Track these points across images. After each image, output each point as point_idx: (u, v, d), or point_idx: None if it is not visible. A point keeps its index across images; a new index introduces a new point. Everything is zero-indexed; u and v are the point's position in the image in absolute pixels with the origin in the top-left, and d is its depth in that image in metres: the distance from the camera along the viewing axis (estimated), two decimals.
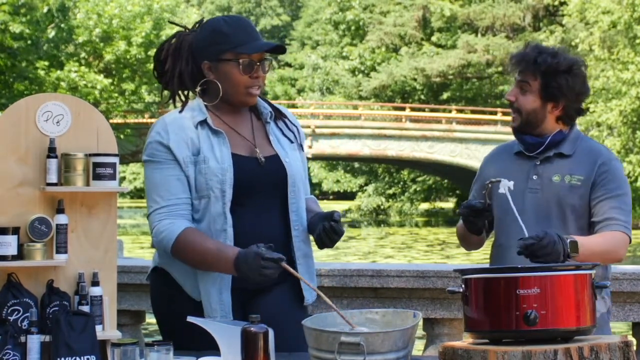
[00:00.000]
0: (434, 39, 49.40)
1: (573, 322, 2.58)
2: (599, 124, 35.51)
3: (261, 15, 76.61)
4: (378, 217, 49.39)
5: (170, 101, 3.27)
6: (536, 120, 3.40)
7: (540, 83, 3.37)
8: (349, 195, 57.98)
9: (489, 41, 45.80)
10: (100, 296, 3.00)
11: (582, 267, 2.66)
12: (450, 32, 48.75)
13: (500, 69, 44.67)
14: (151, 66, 3.36)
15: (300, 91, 62.56)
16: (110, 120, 33.60)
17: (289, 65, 67.04)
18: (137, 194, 63.40)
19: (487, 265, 3.37)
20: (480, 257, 19.04)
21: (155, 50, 3.33)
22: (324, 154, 42.94)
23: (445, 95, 48.35)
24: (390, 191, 51.44)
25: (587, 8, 36.84)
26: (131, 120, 40.21)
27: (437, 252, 26.05)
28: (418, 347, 5.15)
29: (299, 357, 2.95)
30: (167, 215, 3.10)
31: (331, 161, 52.57)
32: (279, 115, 3.30)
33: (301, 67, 62.92)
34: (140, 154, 3.81)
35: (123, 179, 60.50)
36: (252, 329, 2.64)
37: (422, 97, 49.50)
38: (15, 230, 2.92)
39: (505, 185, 3.13)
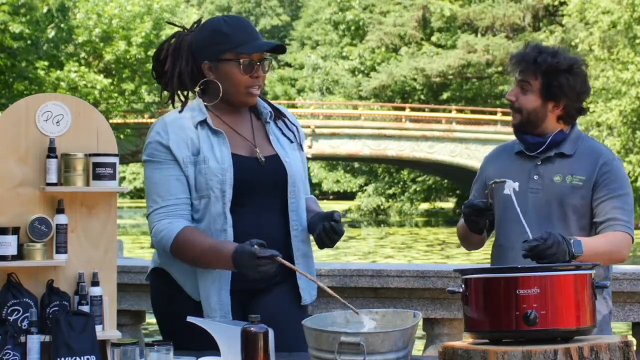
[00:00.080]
0: (433, 39, 49.40)
1: (573, 322, 2.58)
2: (599, 124, 35.51)
3: (261, 15, 76.62)
4: (378, 217, 49.39)
5: (170, 101, 3.27)
6: (537, 120, 3.39)
7: (540, 82, 3.37)
8: (349, 195, 57.99)
9: (489, 41, 45.80)
10: (100, 296, 3.00)
11: (582, 267, 2.66)
12: (450, 32, 48.75)
13: (500, 69, 44.67)
14: (151, 66, 3.36)
15: (300, 91, 62.56)
16: (110, 120, 33.62)
17: (289, 65, 67.04)
18: (137, 194, 63.38)
19: (488, 265, 3.36)
20: (481, 257, 19.05)
21: (154, 50, 3.33)
22: (324, 154, 42.95)
23: (445, 95, 48.35)
24: (390, 191, 51.44)
25: (587, 8, 36.83)
26: (131, 120, 40.22)
27: (437, 252, 26.05)
28: (418, 347, 5.15)
29: (299, 357, 2.95)
30: (166, 215, 3.10)
31: (331, 161, 52.58)
32: (278, 115, 3.30)
33: (301, 67, 62.92)
34: (140, 154, 3.81)
35: (123, 179, 60.50)
36: (252, 329, 2.64)
37: (422, 97, 49.50)
38: (15, 230, 2.92)
39: (511, 187, 3.13)
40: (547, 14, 47.85)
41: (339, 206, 48.98)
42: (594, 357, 2.49)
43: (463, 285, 2.67)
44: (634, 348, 3.07)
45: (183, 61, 3.21)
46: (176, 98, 3.25)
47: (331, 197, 62.90)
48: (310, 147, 40.28)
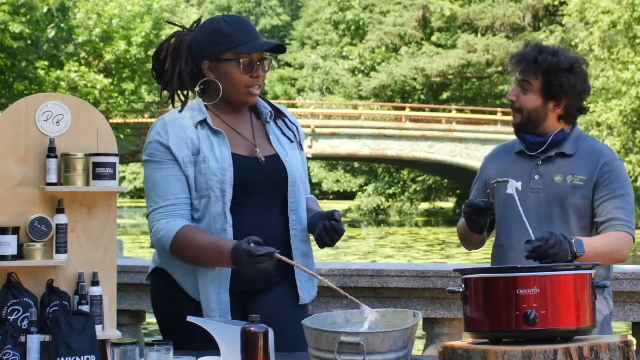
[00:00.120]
0: (434, 39, 49.40)
1: (573, 322, 2.58)
2: (599, 124, 35.51)
3: (261, 15, 76.61)
4: (378, 217, 49.39)
5: (170, 101, 3.27)
6: (538, 120, 3.39)
7: (541, 82, 3.37)
8: (349, 195, 57.99)
9: (489, 41, 45.81)
10: (100, 296, 3.00)
11: (582, 267, 2.66)
12: (450, 32, 48.75)
13: (500, 69, 44.68)
14: (151, 66, 3.36)
15: (300, 91, 62.56)
16: (110, 120, 33.61)
17: (289, 65, 67.04)
18: (137, 194, 63.39)
19: (488, 265, 3.36)
20: (481, 257, 19.05)
21: (154, 50, 3.33)
22: (324, 154, 42.95)
23: (445, 95, 48.35)
24: (390, 191, 51.44)
25: (587, 8, 36.83)
26: (131, 120, 40.22)
27: (437, 252, 26.05)
28: (418, 347, 5.15)
29: (299, 357, 2.95)
30: (166, 215, 3.10)
31: (331, 161, 52.59)
32: (278, 114, 3.30)
33: (301, 67, 62.92)
34: (140, 154, 3.81)
35: (123, 179, 60.51)
36: (252, 329, 2.64)
37: (422, 97, 49.50)
38: (15, 230, 2.92)
39: (513, 186, 3.12)
40: (547, 14, 47.85)
41: (339, 206, 48.95)
42: (594, 357, 2.49)
43: (463, 285, 2.67)
44: (634, 348, 3.07)
45: (183, 61, 3.21)
46: (176, 98, 3.25)
47: (331, 197, 62.90)
48: (310, 147, 40.28)
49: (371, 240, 31.44)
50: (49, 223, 2.97)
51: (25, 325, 2.90)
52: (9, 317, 2.89)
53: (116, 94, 38.64)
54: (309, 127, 39.87)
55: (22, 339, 2.85)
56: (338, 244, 3.19)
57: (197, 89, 3.22)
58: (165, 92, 3.30)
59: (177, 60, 3.22)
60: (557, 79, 3.35)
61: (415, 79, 47.90)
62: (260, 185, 3.15)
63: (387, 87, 48.54)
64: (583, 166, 3.36)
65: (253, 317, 2.66)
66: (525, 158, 3.44)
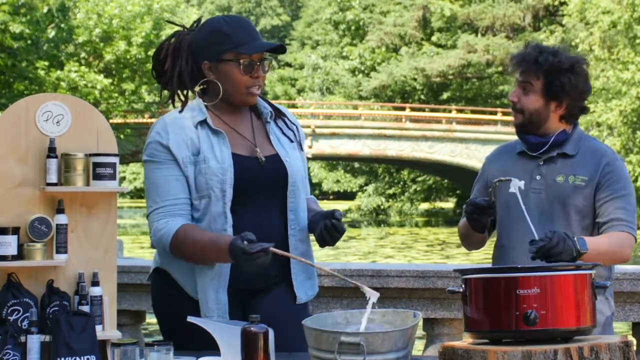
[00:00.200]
0: (434, 39, 49.39)
1: (573, 322, 2.58)
2: (599, 124, 35.51)
3: (261, 15, 76.60)
4: (378, 217, 49.39)
5: (170, 101, 3.27)
6: (539, 120, 3.39)
7: (543, 82, 3.36)
8: (349, 195, 57.98)
9: (489, 41, 45.80)
10: (100, 296, 3.00)
11: (582, 267, 2.66)
12: (450, 32, 48.74)
13: (500, 69, 44.68)
14: (151, 66, 3.36)
15: (300, 91, 62.55)
16: (110, 120, 33.60)
17: (289, 65, 67.03)
18: (137, 194, 63.38)
19: (488, 265, 3.36)
20: (481, 257, 19.05)
21: (154, 50, 3.33)
22: (324, 154, 42.94)
23: (445, 95, 48.35)
24: (390, 191, 51.44)
25: (587, 8, 36.82)
26: (131, 120, 40.21)
27: (437, 252, 26.05)
28: (418, 347, 5.15)
29: (299, 357, 2.95)
30: (165, 215, 3.11)
31: (331, 161, 52.57)
32: (278, 114, 3.30)
33: (301, 67, 62.91)
34: (140, 154, 3.81)
35: (123, 179, 60.49)
36: (252, 329, 2.64)
37: (422, 97, 49.49)
38: (15, 230, 2.92)
39: (516, 185, 3.12)
40: (547, 14, 47.85)
41: (339, 206, 48.87)
42: (594, 357, 2.49)
43: (463, 285, 2.67)
44: (634, 348, 3.07)
45: (183, 60, 3.21)
46: (176, 98, 3.25)
47: (331, 197, 62.90)
48: (310, 147, 40.28)
49: (371, 240, 31.44)
50: (49, 223, 2.97)
51: (25, 325, 2.89)
52: (9, 317, 2.89)
53: (116, 94, 38.63)
54: (309, 127, 39.87)
55: (22, 339, 2.85)
56: (338, 244, 3.19)
57: (197, 89, 3.22)
58: (165, 92, 3.30)
59: (177, 60, 3.22)
60: (558, 79, 3.35)
61: (415, 79, 47.89)
62: (260, 185, 3.15)
63: (387, 87, 48.53)
64: (584, 166, 3.36)
65: (253, 317, 2.66)
66: (527, 158, 3.44)
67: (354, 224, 42.25)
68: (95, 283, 3.00)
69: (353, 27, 54.62)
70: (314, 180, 54.98)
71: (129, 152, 37.25)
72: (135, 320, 4.90)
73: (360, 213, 51.03)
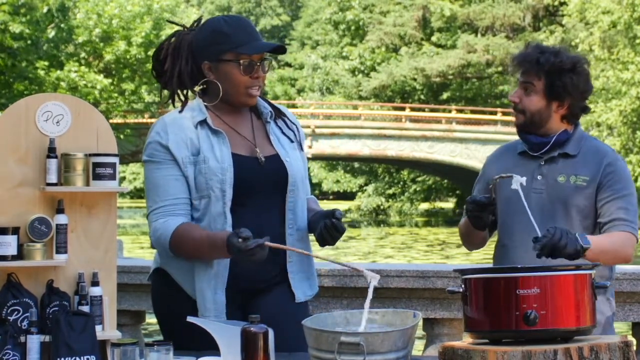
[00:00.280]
0: (434, 39, 49.40)
1: (573, 322, 2.58)
2: (599, 124, 35.52)
3: (261, 15, 76.61)
4: (378, 217, 49.39)
5: (170, 101, 3.27)
6: (541, 120, 3.38)
7: (544, 83, 3.36)
8: (349, 195, 57.98)
9: (489, 41, 45.80)
10: (100, 296, 3.00)
11: (582, 267, 2.66)
12: (450, 32, 48.75)
13: (500, 69, 44.69)
14: (151, 66, 3.36)
15: (300, 91, 62.55)
16: (110, 120, 33.61)
17: (289, 65, 67.03)
18: (137, 194, 63.39)
19: (488, 265, 3.36)
20: (481, 257, 19.05)
21: (154, 50, 3.33)
22: (324, 154, 42.95)
23: (445, 95, 48.35)
24: (390, 191, 51.44)
25: (587, 8, 36.83)
26: (131, 120, 40.22)
27: (437, 252, 26.05)
28: (418, 347, 5.15)
29: (299, 357, 2.94)
30: (164, 215, 3.11)
31: (331, 161, 52.58)
32: (278, 114, 3.30)
33: (301, 67, 62.92)
34: (140, 154, 3.81)
35: (123, 179, 60.50)
36: (252, 329, 2.64)
37: (422, 97, 49.49)
38: (15, 230, 2.92)
39: (518, 181, 3.12)
40: (547, 14, 47.85)
41: (339, 206, 48.73)
42: (594, 357, 2.49)
43: (463, 285, 2.67)
44: (634, 348, 3.07)
45: (183, 60, 3.21)
46: (176, 98, 3.25)
47: (331, 197, 62.90)
48: (310, 147, 40.28)
49: (371, 240, 31.44)
50: (48, 223, 2.97)
51: (25, 326, 2.89)
52: (9, 317, 2.89)
53: (116, 94, 38.63)
54: (308, 127, 39.87)
55: (22, 339, 2.85)
56: (338, 243, 3.19)
57: (197, 89, 3.22)
58: (165, 92, 3.31)
59: (177, 60, 3.22)
60: (560, 79, 3.34)
61: (415, 79, 47.90)
62: (260, 185, 3.15)
63: (387, 87, 48.54)
64: (586, 166, 3.36)
65: (253, 317, 2.66)
66: (528, 158, 3.43)
67: (353, 224, 42.25)
68: (95, 283, 2.99)
69: (353, 27, 54.63)
70: (314, 180, 54.98)
71: (129, 152, 37.26)
72: (135, 320, 4.90)
73: (360, 213, 51.03)
